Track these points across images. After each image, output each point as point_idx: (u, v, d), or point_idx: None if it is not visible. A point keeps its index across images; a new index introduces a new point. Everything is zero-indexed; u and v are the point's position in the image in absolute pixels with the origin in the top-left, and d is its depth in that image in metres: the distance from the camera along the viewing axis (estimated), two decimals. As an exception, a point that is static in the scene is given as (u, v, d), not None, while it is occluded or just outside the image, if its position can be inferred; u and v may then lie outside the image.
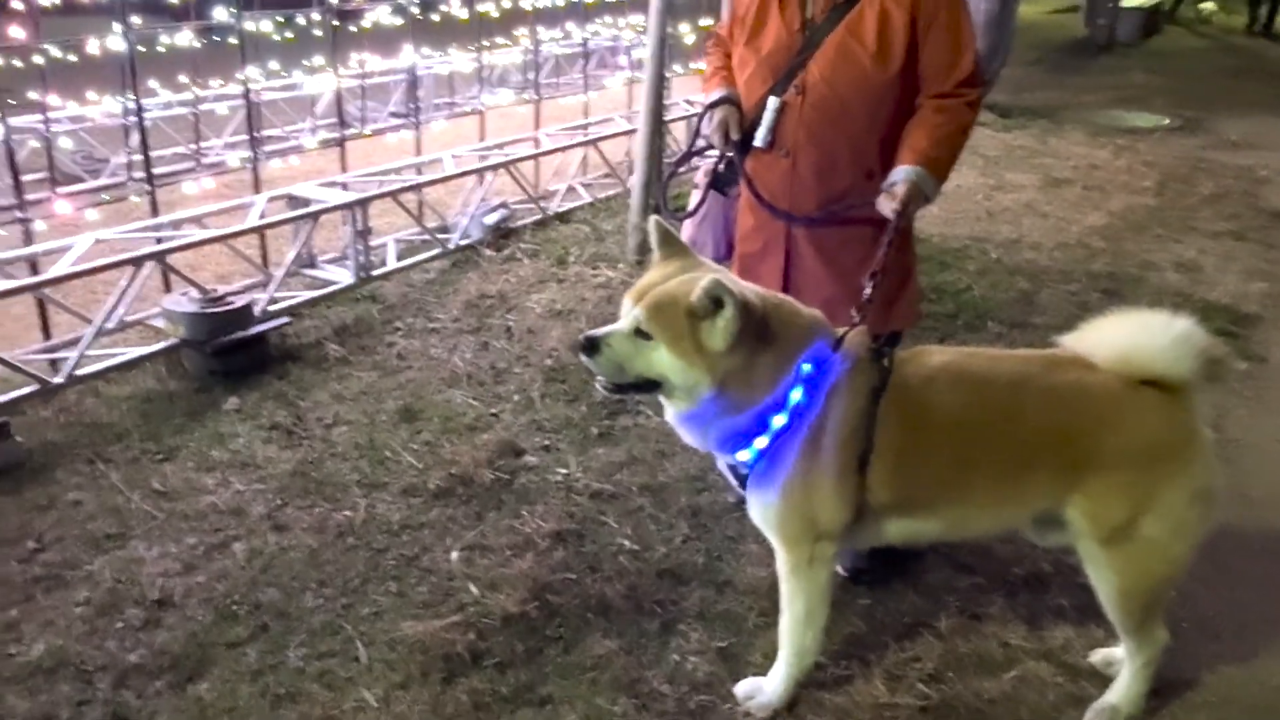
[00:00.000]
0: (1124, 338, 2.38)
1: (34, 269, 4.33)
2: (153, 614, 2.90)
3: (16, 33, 5.09)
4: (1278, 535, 3.34)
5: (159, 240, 4.52)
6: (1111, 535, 2.37)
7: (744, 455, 2.37)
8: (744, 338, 2.24)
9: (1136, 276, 5.56)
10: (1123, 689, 2.55)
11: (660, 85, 5.72)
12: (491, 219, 5.89)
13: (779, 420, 2.31)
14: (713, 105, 2.87)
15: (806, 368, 2.31)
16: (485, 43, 7.83)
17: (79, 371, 4.04)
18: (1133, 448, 2.34)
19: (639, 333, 2.24)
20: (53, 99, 5.81)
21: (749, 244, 3.02)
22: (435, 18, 7.51)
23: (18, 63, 5.26)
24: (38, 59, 5.19)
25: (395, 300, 5.09)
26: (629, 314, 2.26)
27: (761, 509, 2.42)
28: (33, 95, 5.56)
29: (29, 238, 4.62)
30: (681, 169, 3.67)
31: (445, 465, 3.62)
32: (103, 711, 2.57)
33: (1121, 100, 10.69)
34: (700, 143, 3.04)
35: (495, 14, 7.59)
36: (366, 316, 4.88)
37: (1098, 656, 2.73)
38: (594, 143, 6.95)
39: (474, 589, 3.00)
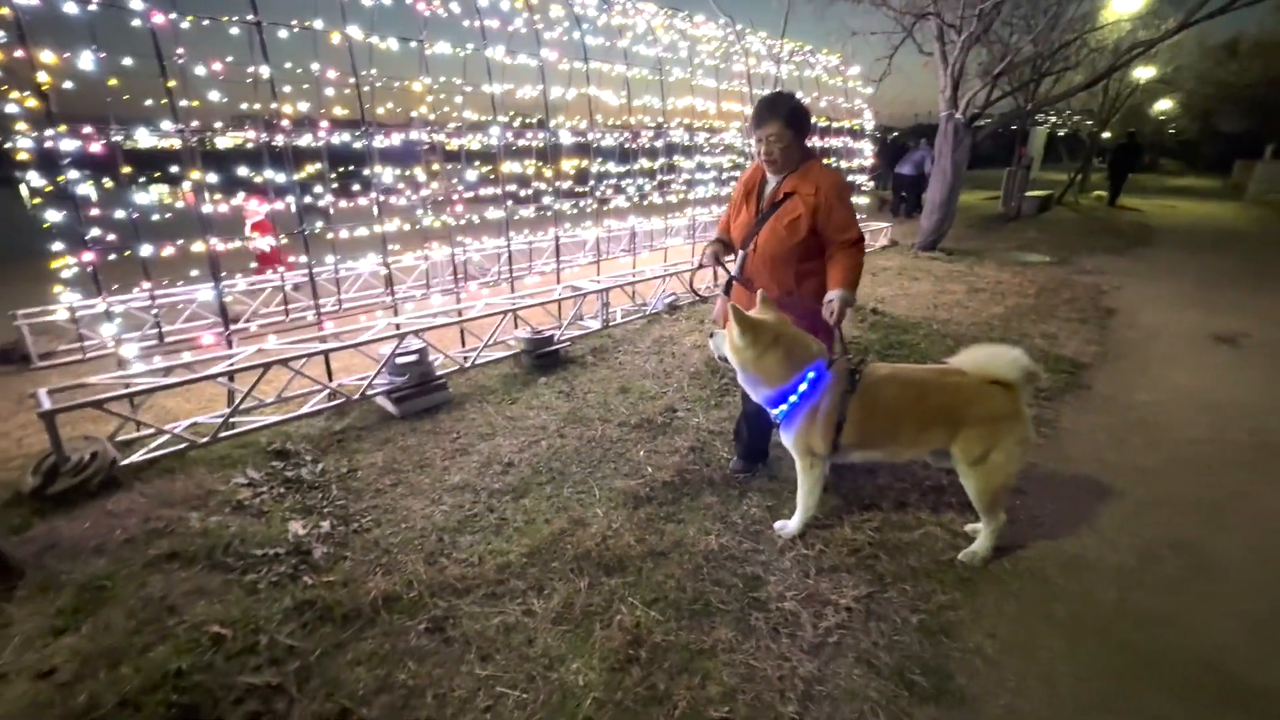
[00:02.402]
0: (983, 358, 2.38)
1: (460, 314, 4.83)
2: (504, 468, 3.13)
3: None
4: (1080, 475, 3.16)
5: (513, 304, 4.88)
6: (974, 461, 2.37)
7: (775, 412, 2.44)
8: (760, 345, 2.27)
9: (1017, 340, 5.23)
10: (980, 543, 2.54)
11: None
12: (667, 300, 6.07)
13: (794, 398, 2.38)
14: (709, 244, 2.79)
15: (811, 374, 2.36)
16: (669, 214, 8.18)
17: (475, 362, 4.40)
18: (985, 416, 2.33)
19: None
20: (467, 240, 6.50)
21: None
22: (645, 202, 7.89)
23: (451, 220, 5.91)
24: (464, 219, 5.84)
25: (620, 337, 5.21)
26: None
27: (786, 439, 2.49)
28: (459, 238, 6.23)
29: (459, 302, 5.20)
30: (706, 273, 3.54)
31: (639, 413, 3.70)
32: (482, 508, 2.80)
33: (1020, 247, 9.87)
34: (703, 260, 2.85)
35: (674, 199, 7.93)
36: (606, 345, 5.02)
37: (969, 527, 2.71)
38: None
39: (650, 469, 3.12)
